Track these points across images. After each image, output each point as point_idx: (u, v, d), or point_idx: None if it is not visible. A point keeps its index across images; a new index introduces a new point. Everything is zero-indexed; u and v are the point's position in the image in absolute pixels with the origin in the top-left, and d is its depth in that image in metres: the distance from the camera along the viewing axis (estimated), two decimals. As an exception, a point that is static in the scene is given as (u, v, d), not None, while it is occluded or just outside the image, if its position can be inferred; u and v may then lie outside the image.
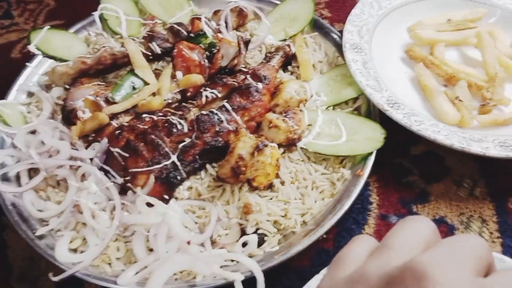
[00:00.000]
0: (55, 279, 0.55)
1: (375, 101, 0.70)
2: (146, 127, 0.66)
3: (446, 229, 0.65)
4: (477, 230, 0.65)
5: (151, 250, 0.58)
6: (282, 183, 0.66)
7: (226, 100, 0.70)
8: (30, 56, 0.82)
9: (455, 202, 0.68)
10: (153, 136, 0.64)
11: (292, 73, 0.81)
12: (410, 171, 0.72)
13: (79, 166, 0.66)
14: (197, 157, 0.66)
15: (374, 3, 0.87)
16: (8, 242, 0.66)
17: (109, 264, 0.59)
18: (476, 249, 0.29)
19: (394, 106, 0.70)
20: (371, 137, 0.68)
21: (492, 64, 0.79)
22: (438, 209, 0.67)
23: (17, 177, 0.67)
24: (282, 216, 0.63)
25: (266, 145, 0.63)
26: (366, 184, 0.70)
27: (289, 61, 0.82)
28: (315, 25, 0.86)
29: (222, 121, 0.67)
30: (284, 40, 0.85)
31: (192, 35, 0.79)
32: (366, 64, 0.77)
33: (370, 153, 0.67)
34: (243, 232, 0.62)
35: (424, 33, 0.85)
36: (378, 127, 0.69)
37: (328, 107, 0.75)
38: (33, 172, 0.68)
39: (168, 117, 0.67)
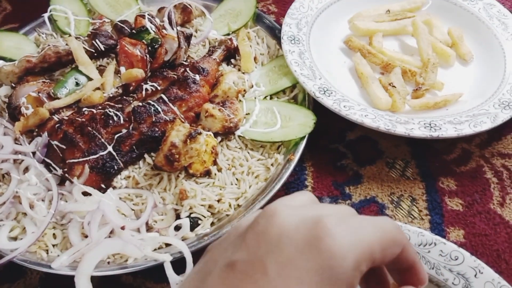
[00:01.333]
0: (-7, 266, 0.58)
1: (307, 88, 0.73)
2: (84, 120, 0.69)
3: (376, 208, 0.68)
4: (407, 208, 0.68)
5: (86, 236, 0.61)
6: (220, 170, 0.69)
7: (164, 92, 0.73)
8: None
9: (386, 183, 0.71)
10: (89, 128, 0.67)
11: (235, 65, 0.84)
12: (345, 155, 0.75)
13: (22, 160, 0.68)
14: (134, 147, 0.68)
15: (314, -5, 0.90)
16: (-48, 236, 0.68)
17: (46, 250, 0.61)
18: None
19: (326, 93, 0.73)
20: (303, 123, 0.71)
21: (425, 50, 0.83)
22: (370, 189, 0.70)
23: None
24: (217, 201, 0.65)
25: (199, 133, 0.66)
26: (303, 169, 0.73)
27: (232, 54, 0.84)
28: (258, 20, 0.89)
29: (159, 112, 0.70)
30: (228, 34, 0.87)
31: (134, 31, 0.81)
32: (302, 55, 0.80)
33: (303, 138, 0.70)
34: (178, 217, 0.64)
35: (362, 23, 0.88)
36: (310, 113, 0.72)
37: (266, 96, 0.78)
38: (-23, 167, 0.70)
39: (106, 110, 0.69)
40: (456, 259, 0.56)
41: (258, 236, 0.30)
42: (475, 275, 0.55)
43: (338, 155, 0.75)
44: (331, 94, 0.73)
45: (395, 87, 0.78)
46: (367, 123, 0.69)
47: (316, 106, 0.74)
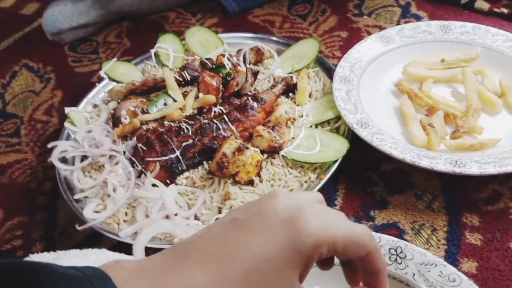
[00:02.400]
0: (79, 228, 0.77)
1: (347, 120, 0.84)
2: (163, 130, 0.88)
3: (396, 232, 0.74)
4: (426, 237, 0.73)
5: (148, 217, 0.77)
6: (261, 181, 0.82)
7: (225, 114, 0.89)
8: (101, 80, 1.10)
9: (411, 212, 0.77)
10: (165, 136, 0.85)
11: (292, 98, 0.98)
12: (377, 183, 0.82)
13: (115, 156, 0.89)
14: (196, 154, 0.85)
15: (372, 43, 1.01)
16: (58, 207, 0.90)
17: (118, 224, 0.79)
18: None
19: (363, 125, 0.83)
20: (338, 149, 0.81)
21: (471, 96, 0.88)
22: (394, 215, 0.77)
23: (73, 161, 0.92)
24: (254, 205, 0.78)
25: (247, 148, 0.80)
26: (335, 190, 0.83)
27: (291, 89, 0.99)
28: (319, 62, 1.03)
29: (219, 129, 0.86)
30: (291, 73, 1.02)
31: (213, 66, 1.00)
32: (349, 93, 0.91)
33: (335, 161, 0.80)
34: (220, 213, 0.78)
35: (414, 69, 0.96)
36: (346, 141, 0.82)
37: (312, 125, 0.90)
38: (84, 158, 0.92)
39: (180, 124, 0.88)
40: (454, 281, 0.61)
41: (257, 207, 0.41)
42: (469, 298, 0.59)
43: (371, 182, 0.83)
44: (368, 127, 0.82)
45: (434, 127, 0.84)
46: (394, 154, 0.76)
47: (356, 138, 0.83)
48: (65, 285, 0.32)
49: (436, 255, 0.61)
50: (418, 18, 1.19)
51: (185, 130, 0.86)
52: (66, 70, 1.26)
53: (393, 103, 0.94)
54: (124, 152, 0.89)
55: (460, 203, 0.76)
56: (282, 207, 0.40)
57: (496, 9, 1.12)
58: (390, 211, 0.77)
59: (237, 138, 0.85)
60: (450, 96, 0.95)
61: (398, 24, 1.18)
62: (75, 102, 1.06)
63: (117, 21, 1.40)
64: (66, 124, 0.97)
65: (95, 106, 1.05)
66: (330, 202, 0.81)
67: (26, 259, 0.57)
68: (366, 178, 0.84)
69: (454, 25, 1.02)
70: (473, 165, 0.73)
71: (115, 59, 1.11)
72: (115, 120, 0.96)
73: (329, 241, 0.39)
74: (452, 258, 0.69)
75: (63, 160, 0.91)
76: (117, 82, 1.09)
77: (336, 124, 0.89)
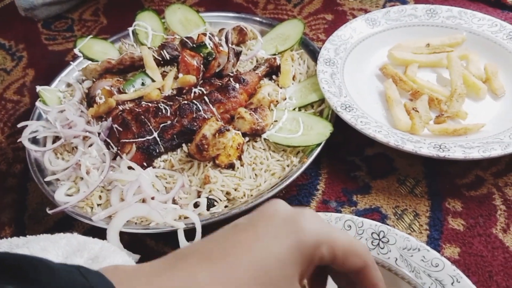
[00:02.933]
0: (50, 212, 0.73)
1: (331, 103, 0.82)
2: (140, 110, 0.84)
3: (378, 217, 0.73)
4: (408, 222, 0.72)
5: (123, 200, 0.74)
6: (242, 165, 0.79)
7: (206, 95, 0.86)
8: (76, 59, 1.04)
9: (393, 197, 0.76)
10: (142, 117, 0.82)
11: (275, 81, 0.95)
12: (360, 167, 0.81)
13: (89, 137, 0.85)
14: (174, 136, 0.81)
15: (357, 27, 0.98)
16: (29, 190, 0.86)
17: (92, 208, 0.75)
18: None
19: (347, 109, 0.81)
20: (321, 133, 0.79)
21: (456, 81, 0.87)
22: (376, 200, 0.75)
23: (44, 142, 0.87)
24: (234, 189, 0.75)
25: (228, 130, 0.77)
26: (317, 175, 0.81)
27: (274, 71, 0.96)
28: (304, 44, 1.00)
29: (199, 110, 0.83)
30: (274, 55, 0.99)
31: (194, 45, 0.97)
32: (333, 75, 0.88)
33: (318, 145, 0.78)
34: (199, 197, 0.75)
35: (399, 53, 0.95)
36: (329, 124, 0.80)
37: (295, 108, 0.87)
38: (57, 139, 0.88)
39: (158, 104, 0.84)
40: (437, 266, 0.60)
41: (258, 212, 0.40)
42: (452, 283, 0.58)
43: (354, 167, 0.81)
44: (352, 110, 0.80)
45: (418, 112, 0.82)
46: (378, 138, 0.75)
47: (340, 122, 0.82)
48: None
49: (418, 240, 0.60)
50: (403, 2, 1.17)
51: (163, 111, 0.83)
52: (39, 48, 1.21)
53: (377, 87, 0.92)
54: (99, 134, 0.85)
55: (443, 188, 0.75)
56: (284, 209, 0.40)
57: (482, -5, 1.11)
58: (372, 196, 0.76)
59: (217, 120, 0.82)
60: (435, 81, 0.93)
61: (384, 7, 1.16)
62: (48, 81, 1.01)
63: (93, -2, 1.35)
64: (38, 103, 0.92)
65: (68, 85, 1.00)
66: (312, 187, 0.79)
67: None
68: (349, 162, 0.82)
69: (440, 9, 1.01)
70: (457, 149, 0.72)
71: (90, 36, 1.06)
72: (89, 99, 0.92)
73: (329, 242, 0.39)
74: (434, 243, 0.68)
75: (34, 141, 0.87)
76: (93, 60, 1.04)
77: (319, 107, 0.87)
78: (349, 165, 0.81)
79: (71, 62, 1.03)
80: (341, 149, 0.83)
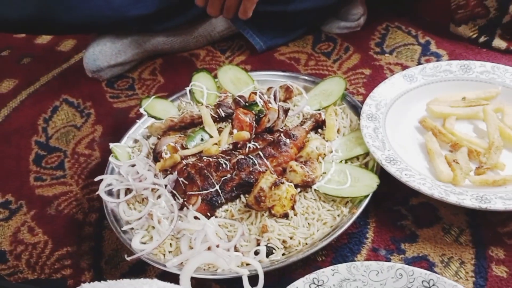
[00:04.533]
0: (128, 258, 0.83)
1: (376, 157, 0.89)
2: (203, 165, 0.94)
3: (426, 265, 0.79)
4: (455, 269, 0.77)
5: (192, 248, 0.83)
6: (295, 214, 0.87)
7: (260, 150, 0.95)
8: (140, 116, 1.17)
9: (439, 245, 0.81)
10: (205, 171, 0.92)
11: (320, 134, 1.04)
12: (406, 217, 0.87)
13: (157, 189, 0.95)
14: (234, 188, 0.91)
15: (396, 82, 1.07)
16: (104, 238, 0.96)
17: (164, 255, 0.84)
18: None
19: (391, 162, 0.88)
20: (368, 184, 0.86)
21: (493, 134, 0.93)
22: (423, 248, 0.81)
23: (118, 194, 0.99)
24: (290, 238, 0.83)
25: (282, 182, 0.86)
26: (366, 224, 0.88)
27: (319, 125, 1.05)
28: (345, 99, 1.09)
29: (255, 164, 0.92)
30: (319, 110, 1.09)
31: (247, 103, 1.07)
32: (376, 130, 0.96)
33: (366, 196, 0.85)
34: (258, 245, 0.83)
35: (437, 107, 1.02)
36: (375, 177, 0.87)
37: (342, 160, 0.95)
38: (128, 191, 0.99)
39: (218, 159, 0.94)
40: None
41: None
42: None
43: (400, 216, 0.87)
44: (396, 163, 0.88)
45: (458, 163, 0.89)
46: (423, 190, 0.81)
47: (385, 173, 0.89)
48: None
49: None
50: (438, 56, 1.25)
51: (224, 165, 0.93)
52: (105, 106, 1.35)
53: (418, 139, 0.99)
54: (166, 186, 0.96)
55: (486, 237, 0.80)
56: None
57: (513, 48, 1.18)
58: (419, 244, 0.82)
59: (272, 173, 0.91)
60: (472, 133, 1.00)
61: (419, 62, 1.25)
62: (115, 137, 1.14)
63: (151, 58, 1.50)
64: (111, 159, 1.04)
65: (136, 141, 1.13)
66: (361, 235, 0.85)
67: None
68: (395, 211, 0.88)
69: (474, 64, 1.08)
70: (498, 201, 0.78)
71: (154, 96, 1.19)
72: (156, 154, 1.03)
73: None
74: (481, 290, 0.73)
75: (109, 193, 0.98)
76: (155, 118, 1.16)
77: (364, 159, 0.95)
78: (396, 214, 0.88)
79: (137, 120, 1.15)
80: (387, 200, 0.90)
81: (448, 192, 0.81)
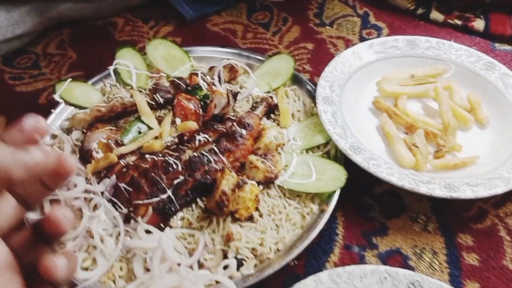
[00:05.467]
0: (68, 291, 0.68)
1: (340, 146, 0.83)
2: (148, 166, 0.80)
3: (400, 258, 0.76)
4: (428, 261, 0.76)
5: (148, 270, 0.71)
6: (261, 215, 0.79)
7: (215, 144, 0.84)
8: (54, 103, 0.96)
9: (410, 236, 0.79)
10: (153, 174, 0.78)
11: (274, 120, 0.95)
12: (373, 207, 0.84)
13: (92, 198, 0.79)
14: (189, 192, 0.79)
15: (346, 61, 1.01)
16: (30, 262, 0.78)
17: (114, 281, 0.71)
18: None
19: (356, 151, 0.83)
20: (335, 177, 0.81)
21: (446, 114, 0.92)
22: (395, 241, 0.79)
23: (41, 206, 0.80)
24: (259, 244, 0.75)
25: (246, 183, 0.76)
26: (334, 218, 0.82)
27: (271, 110, 0.96)
28: (295, 80, 1.01)
29: (210, 162, 0.81)
30: (268, 92, 0.99)
31: (189, 88, 0.94)
32: (335, 114, 0.90)
33: (335, 191, 0.79)
34: (225, 257, 0.74)
35: (389, 87, 0.99)
36: (341, 168, 0.82)
37: (302, 150, 0.88)
38: (54, 202, 0.81)
39: (166, 158, 0.81)
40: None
41: None
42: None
43: (366, 207, 0.84)
44: (361, 153, 0.83)
45: (418, 147, 0.87)
46: (393, 181, 0.78)
47: (346, 161, 0.84)
48: None
49: (443, 281, 0.65)
50: (378, 29, 1.22)
51: (174, 166, 0.80)
52: (5, 90, 1.10)
53: (373, 122, 0.96)
54: (102, 193, 0.80)
55: (452, 223, 0.81)
56: None
57: (450, 21, 1.19)
58: (391, 237, 0.79)
59: (230, 171, 0.81)
60: (422, 111, 0.99)
61: (360, 35, 1.20)
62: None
63: (56, 28, 1.25)
64: (25, 162, 0.85)
65: (54, 136, 0.93)
66: (331, 232, 0.80)
67: None
68: (361, 201, 0.85)
69: (420, 40, 1.06)
70: (466, 188, 0.77)
71: (70, 80, 0.98)
72: (84, 154, 0.86)
73: None
74: (456, 281, 0.73)
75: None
76: (75, 106, 0.97)
77: (325, 148, 0.89)
78: (362, 204, 0.84)
79: (52, 110, 0.95)
80: (351, 189, 0.85)
81: (417, 181, 0.79)
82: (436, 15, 1.21)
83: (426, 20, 1.22)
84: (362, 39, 1.18)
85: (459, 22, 1.18)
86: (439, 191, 0.77)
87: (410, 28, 1.21)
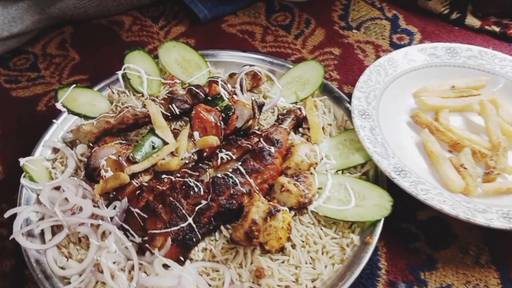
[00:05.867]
0: None
1: (382, 168, 0.74)
2: (165, 188, 0.70)
3: (452, 297, 0.67)
4: (482, 299, 0.67)
5: (166, 312, 0.61)
6: (293, 246, 0.69)
7: (240, 163, 0.74)
8: (55, 110, 0.86)
9: (461, 270, 0.70)
10: (171, 198, 0.68)
11: (302, 134, 0.85)
12: (418, 236, 0.75)
13: (100, 225, 0.69)
14: (212, 219, 0.69)
15: (381, 70, 0.92)
16: (28, 298, 0.68)
17: (126, 325, 0.61)
18: None
19: (401, 173, 0.74)
20: (378, 204, 0.71)
21: (495, 132, 0.83)
22: (445, 276, 0.70)
23: (41, 233, 0.70)
24: (293, 281, 0.65)
25: (278, 210, 0.66)
26: (375, 249, 0.73)
27: (300, 123, 0.86)
28: (325, 89, 0.91)
29: (236, 184, 0.71)
30: (295, 103, 0.89)
31: (209, 98, 0.83)
32: (373, 130, 0.81)
33: (379, 220, 0.70)
34: (255, 296, 0.64)
35: (429, 99, 0.89)
36: (386, 194, 0.72)
37: (337, 171, 0.78)
38: (56, 227, 0.71)
39: (185, 179, 0.71)
40: None
41: None
42: None
43: (411, 236, 0.74)
44: (406, 176, 0.74)
45: (467, 168, 0.78)
46: (446, 210, 0.69)
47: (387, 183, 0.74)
48: None
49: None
50: (409, 33, 1.12)
51: (195, 189, 0.70)
52: (1, 95, 0.99)
53: (412, 137, 0.86)
54: (112, 218, 0.70)
55: (507, 254, 0.71)
56: None
57: (487, 27, 1.10)
58: (440, 272, 0.70)
59: (258, 194, 0.71)
60: (464, 125, 0.89)
61: (390, 40, 1.11)
62: (21, 141, 0.83)
63: (57, 27, 1.14)
64: (23, 181, 0.74)
65: (55, 150, 0.82)
66: (373, 265, 0.71)
67: None
68: (404, 230, 0.75)
69: (460, 48, 0.97)
70: (527, 218, 0.68)
71: (73, 86, 0.88)
72: (90, 172, 0.76)
73: None
74: (516, 323, 0.64)
75: (28, 233, 0.69)
76: (79, 115, 0.87)
77: (363, 169, 0.79)
78: (406, 234, 0.75)
79: (54, 121, 0.84)
80: (391, 215, 0.75)
81: (472, 210, 0.70)
82: (472, 21, 1.12)
83: (461, 26, 1.12)
84: (392, 45, 1.08)
85: (497, 29, 1.09)
86: (498, 222, 0.68)
87: (444, 33, 1.11)
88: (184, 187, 0.70)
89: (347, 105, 0.87)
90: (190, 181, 0.70)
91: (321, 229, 0.71)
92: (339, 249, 0.69)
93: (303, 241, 0.70)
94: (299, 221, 0.72)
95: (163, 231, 0.66)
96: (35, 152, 0.80)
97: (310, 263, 0.68)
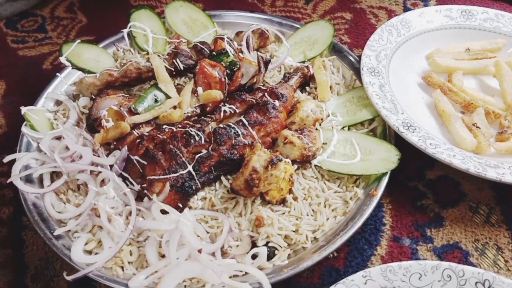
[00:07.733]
0: (69, 278, 0.57)
1: (390, 123, 0.71)
2: (165, 137, 0.69)
3: (460, 254, 0.65)
4: (492, 258, 0.64)
5: (162, 256, 0.60)
6: (295, 198, 0.67)
7: (243, 115, 0.72)
8: (60, 68, 0.86)
9: (470, 228, 0.67)
10: (171, 146, 0.67)
11: (309, 93, 0.83)
12: (425, 195, 0.72)
13: (100, 172, 0.68)
14: (212, 168, 0.67)
15: (393, 30, 0.89)
16: (26, 242, 0.68)
17: (122, 267, 0.60)
18: None
19: (410, 128, 0.71)
20: (385, 158, 0.69)
21: (510, 92, 0.80)
22: (453, 234, 0.67)
23: (40, 179, 0.70)
24: (294, 231, 0.63)
25: (280, 160, 0.64)
26: (380, 205, 0.71)
27: (307, 82, 0.84)
28: (334, 49, 0.88)
29: (238, 135, 0.69)
30: (303, 62, 0.87)
31: (214, 53, 0.82)
32: (382, 87, 0.78)
33: (385, 174, 0.67)
34: (254, 244, 0.62)
35: (443, 60, 0.86)
36: (393, 148, 0.70)
37: (344, 127, 0.76)
38: (55, 175, 0.71)
39: (186, 129, 0.69)
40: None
41: None
42: None
43: (418, 194, 0.72)
44: (415, 130, 0.71)
45: (479, 128, 0.75)
46: (456, 164, 0.66)
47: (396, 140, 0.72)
48: None
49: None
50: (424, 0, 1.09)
51: (196, 137, 0.68)
52: (6, 53, 0.99)
53: (423, 98, 0.83)
54: (112, 166, 0.69)
55: (520, 215, 0.68)
56: None
57: (506, -7, 1.06)
58: (447, 229, 0.67)
59: (260, 146, 0.69)
60: (478, 88, 0.86)
61: (404, 5, 1.07)
62: (26, 96, 0.82)
63: (66, -10, 1.14)
64: (24, 128, 0.74)
65: (58, 102, 0.82)
66: (377, 221, 0.68)
67: None
68: (411, 188, 0.72)
69: (476, 10, 0.93)
70: (542, 175, 0.65)
71: (78, 40, 0.87)
72: (92, 122, 0.75)
73: None
74: (528, 282, 0.60)
75: (27, 179, 0.69)
76: (83, 71, 0.86)
77: (370, 125, 0.77)
78: (413, 192, 0.72)
79: (57, 74, 0.84)
80: (399, 172, 0.73)
81: (483, 165, 0.66)
82: (490, -14, 1.07)
83: (478, -8, 1.08)
84: (406, 10, 1.05)
85: (516, -6, 1.05)
86: (510, 177, 0.64)
87: (460, 0, 1.07)
88: (185, 135, 0.68)
89: (356, 64, 0.84)
90: (191, 131, 0.69)
91: (324, 183, 0.69)
92: (342, 203, 0.67)
93: (305, 194, 0.67)
94: (302, 175, 0.70)
95: (162, 177, 0.64)
96: (37, 104, 0.79)
97: (312, 215, 0.66)
